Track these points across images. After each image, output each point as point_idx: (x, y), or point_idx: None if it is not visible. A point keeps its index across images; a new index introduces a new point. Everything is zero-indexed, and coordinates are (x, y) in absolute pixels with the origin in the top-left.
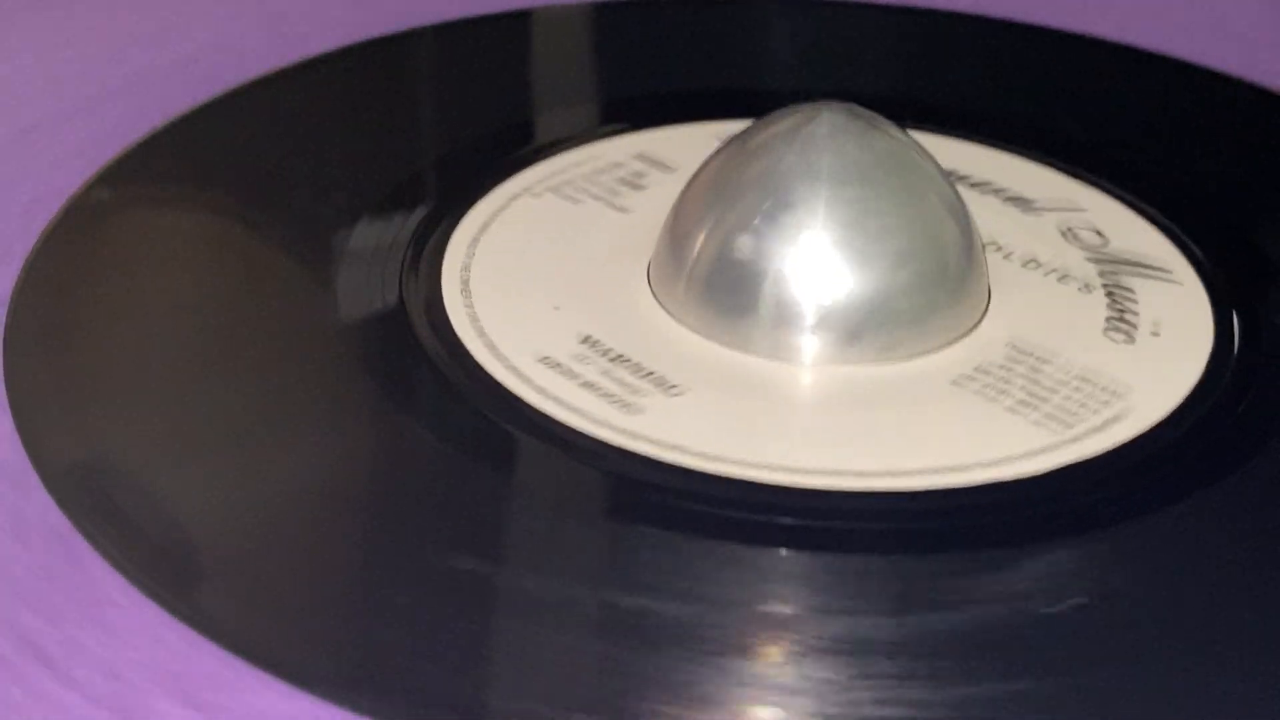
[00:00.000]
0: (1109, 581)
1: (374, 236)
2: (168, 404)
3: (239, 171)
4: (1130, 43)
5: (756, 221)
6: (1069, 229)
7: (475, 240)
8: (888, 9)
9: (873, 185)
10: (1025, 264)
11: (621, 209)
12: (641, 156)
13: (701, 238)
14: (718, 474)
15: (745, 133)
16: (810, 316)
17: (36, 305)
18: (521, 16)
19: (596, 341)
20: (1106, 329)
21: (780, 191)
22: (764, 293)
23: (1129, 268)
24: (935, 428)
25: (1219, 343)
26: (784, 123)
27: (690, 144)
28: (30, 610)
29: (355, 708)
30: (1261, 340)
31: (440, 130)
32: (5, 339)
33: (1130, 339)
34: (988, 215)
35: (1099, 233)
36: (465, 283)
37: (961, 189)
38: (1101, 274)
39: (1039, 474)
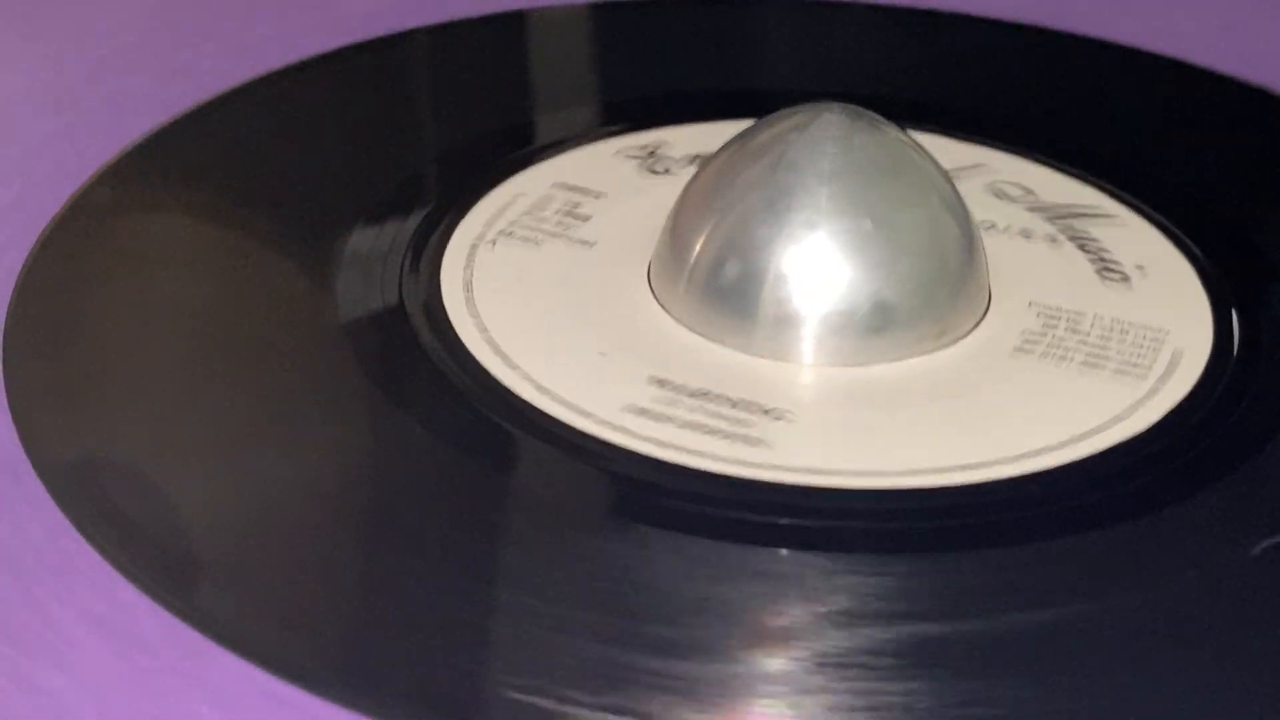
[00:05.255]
0: (1109, 581)
1: (374, 237)
2: (167, 404)
3: (239, 172)
4: (1131, 43)
5: (757, 222)
6: (1052, 222)
7: (475, 240)
8: (888, 9)
9: (873, 185)
10: (1021, 262)
11: (622, 208)
12: (642, 156)
13: (702, 238)
14: (717, 473)
15: (746, 133)
16: (811, 317)
17: (36, 305)
18: (521, 17)
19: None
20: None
21: (781, 192)
22: (765, 293)
23: (1078, 214)
24: (937, 427)
25: (1219, 342)
26: (785, 123)
27: (690, 144)
28: (29, 609)
29: (353, 706)
30: (1261, 340)
31: (440, 131)
32: (5, 339)
33: (1126, 279)
34: (981, 211)
35: (1081, 221)
36: (465, 283)
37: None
38: (1062, 229)
39: (1036, 474)
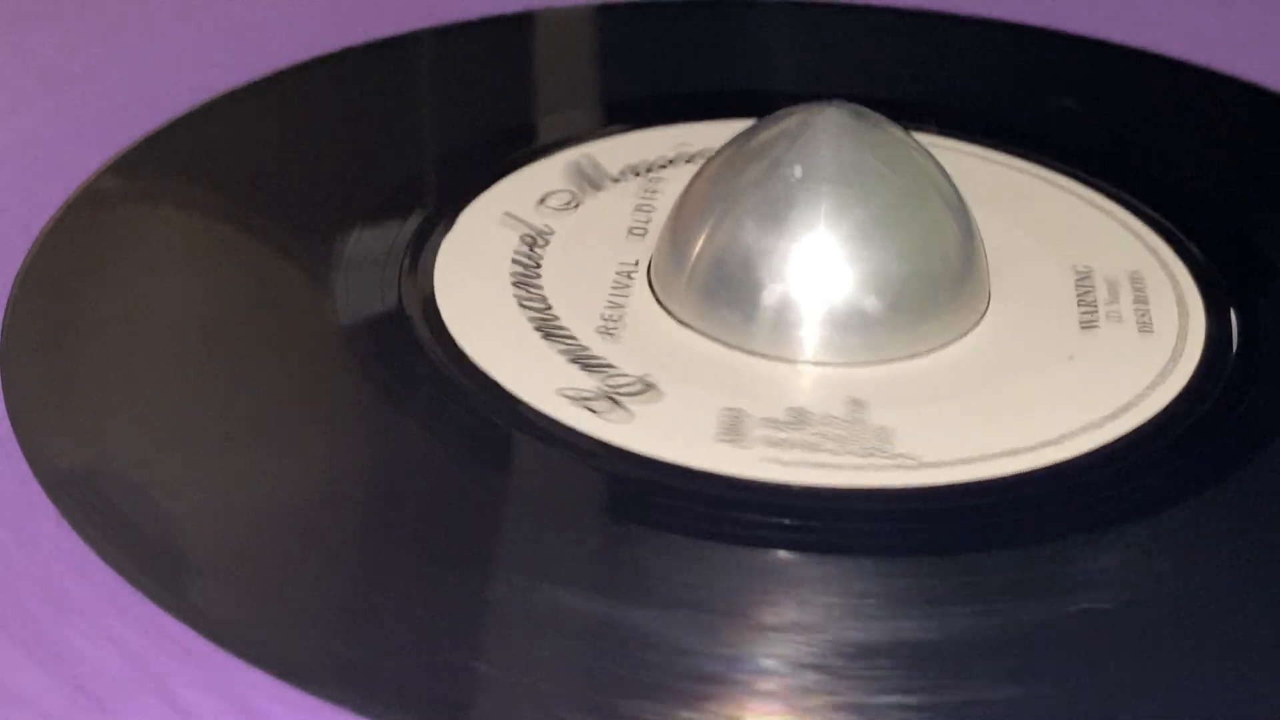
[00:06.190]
0: (1109, 581)
1: (373, 238)
2: (166, 405)
3: (238, 173)
4: (1129, 43)
5: (758, 221)
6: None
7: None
8: (888, 10)
9: (874, 185)
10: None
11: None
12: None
13: (702, 237)
14: (716, 473)
15: (746, 132)
16: (812, 316)
17: (35, 306)
18: (521, 18)
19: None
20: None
21: (781, 191)
22: (765, 292)
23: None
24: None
25: (1217, 343)
26: (785, 122)
27: (690, 145)
28: (27, 611)
29: (352, 707)
30: (1261, 340)
31: (440, 132)
32: (3, 339)
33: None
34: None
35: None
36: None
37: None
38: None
39: (1039, 471)
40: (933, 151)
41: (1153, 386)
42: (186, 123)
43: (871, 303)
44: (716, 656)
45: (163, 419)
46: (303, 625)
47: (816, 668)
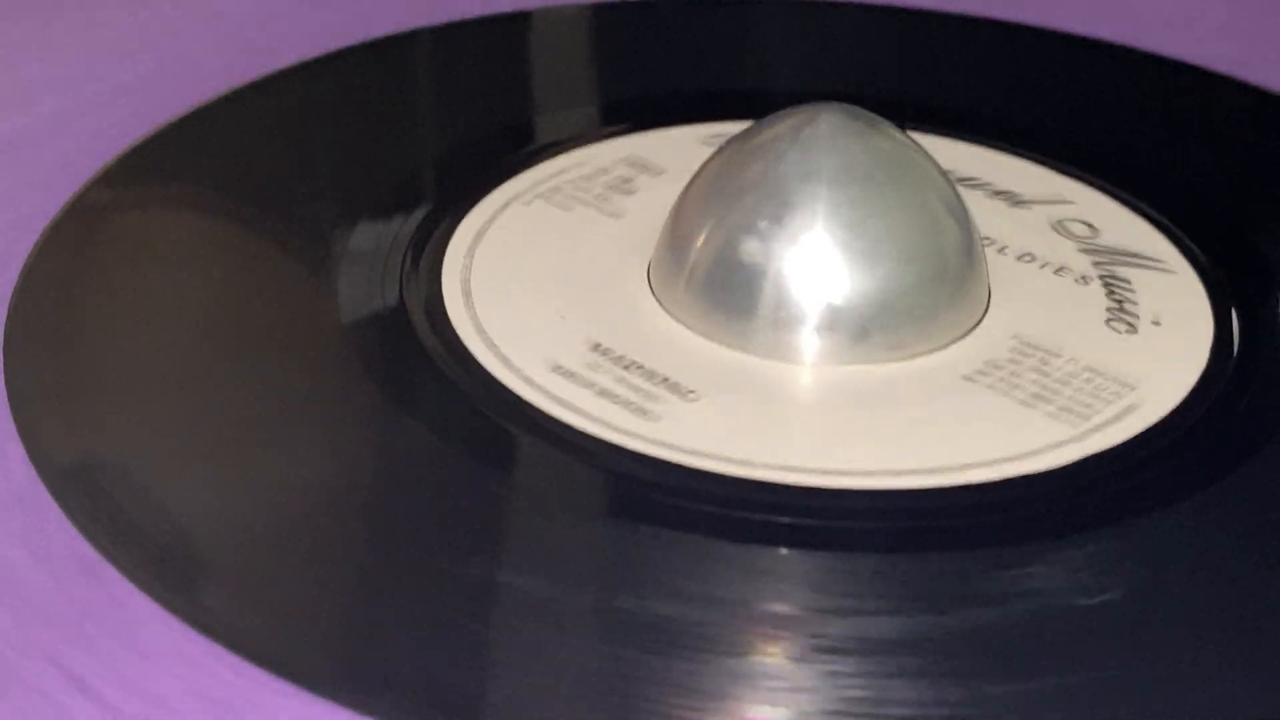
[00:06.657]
0: (1110, 580)
1: (374, 237)
2: (169, 405)
3: (239, 172)
4: (1129, 43)
5: (757, 222)
6: (1061, 223)
7: (475, 241)
8: (887, 9)
9: (873, 186)
10: (1021, 258)
11: (622, 210)
12: (640, 158)
13: (702, 238)
14: (718, 473)
15: (746, 133)
16: (811, 317)
17: (36, 305)
18: (521, 17)
19: (598, 343)
20: (1108, 320)
21: (781, 192)
22: (765, 293)
23: (1122, 258)
24: (937, 426)
25: (1219, 343)
26: (784, 123)
27: (690, 146)
28: (31, 612)
29: (357, 708)
30: (1261, 340)
31: (439, 131)
32: (5, 339)
33: (1133, 330)
34: (983, 213)
35: (1090, 225)
36: (466, 283)
37: (960, 189)
38: (1097, 265)
39: (1039, 473)
40: (931, 151)
41: (1153, 387)
42: (186, 123)
43: (872, 303)
44: (723, 657)
45: (165, 418)
46: (305, 625)
47: (824, 666)
